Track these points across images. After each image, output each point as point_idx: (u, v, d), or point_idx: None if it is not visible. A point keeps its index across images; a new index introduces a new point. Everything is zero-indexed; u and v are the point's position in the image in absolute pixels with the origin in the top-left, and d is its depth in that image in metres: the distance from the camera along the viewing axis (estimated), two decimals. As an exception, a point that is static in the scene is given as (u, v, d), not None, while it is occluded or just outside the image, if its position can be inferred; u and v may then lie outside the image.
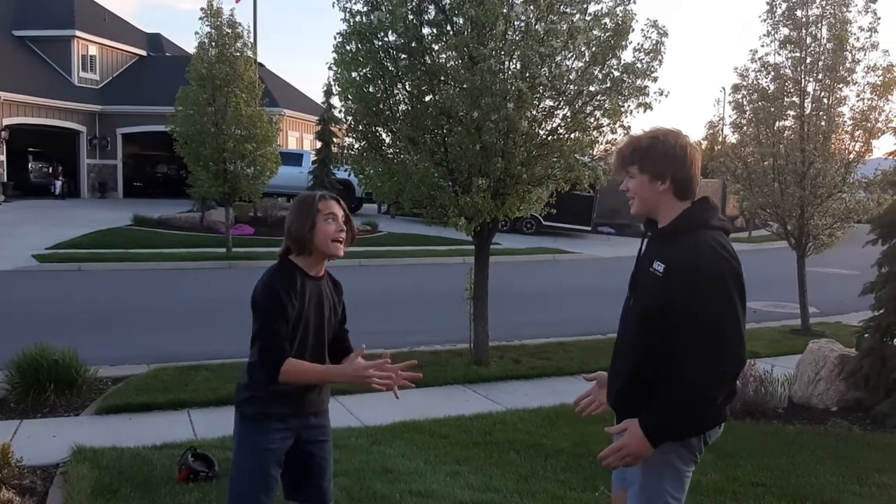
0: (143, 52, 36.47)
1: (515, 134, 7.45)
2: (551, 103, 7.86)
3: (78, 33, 31.89)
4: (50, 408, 6.47)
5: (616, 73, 7.67)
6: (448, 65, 7.73)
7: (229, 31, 17.34)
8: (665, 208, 2.61)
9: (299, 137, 36.51)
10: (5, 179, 27.96)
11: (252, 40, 18.39)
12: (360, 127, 8.07)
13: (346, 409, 6.73)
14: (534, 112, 7.66)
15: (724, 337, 2.41)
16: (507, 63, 7.52)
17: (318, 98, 28.30)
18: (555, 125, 7.95)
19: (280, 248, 3.07)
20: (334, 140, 24.53)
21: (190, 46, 20.17)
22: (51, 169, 31.62)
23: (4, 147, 27.78)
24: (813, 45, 10.47)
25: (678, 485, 2.64)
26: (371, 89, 7.79)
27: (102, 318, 11.02)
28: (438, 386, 7.70)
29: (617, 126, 7.89)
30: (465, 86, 7.39)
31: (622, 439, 2.53)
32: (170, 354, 8.46)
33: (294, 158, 27.13)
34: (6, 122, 27.70)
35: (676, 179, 2.58)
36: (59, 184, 30.47)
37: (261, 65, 21.86)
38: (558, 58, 7.53)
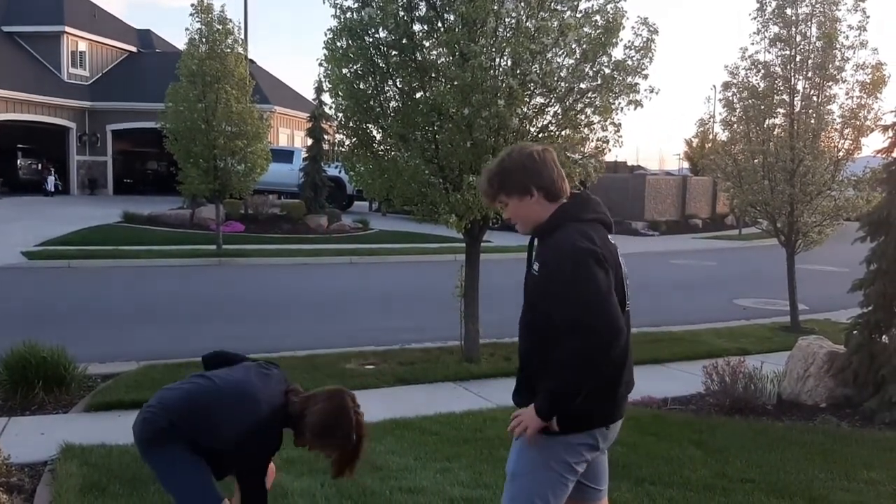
0: (133, 49, 36.31)
1: (506, 131, 7.45)
2: (542, 100, 7.86)
3: (67, 29, 31.72)
4: (38, 405, 6.43)
5: (607, 71, 7.67)
6: (439, 61, 7.71)
7: (220, 27, 17.27)
8: (544, 214, 2.76)
9: (290, 134, 36.45)
10: (-6, 176, 27.85)
11: (242, 37, 18.34)
12: (351, 124, 8.05)
13: (337, 407, 6.71)
14: (525, 109, 7.65)
15: (590, 310, 2.54)
16: (497, 60, 7.52)
17: (310, 95, 28.23)
18: (546, 122, 7.95)
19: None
20: (325, 137, 24.49)
21: (180, 43, 20.10)
22: (41, 165, 31.44)
23: (-6, 143, 27.67)
24: (803, 43, 10.50)
25: (551, 484, 2.83)
26: (362, 86, 7.77)
27: (91, 315, 10.97)
28: (429, 383, 7.70)
29: (608, 123, 7.89)
30: (455, 83, 7.37)
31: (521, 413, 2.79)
32: (159, 352, 8.42)
33: (285, 155, 27.08)
34: (-5, 118, 27.57)
35: (542, 187, 2.73)
36: (51, 180, 30.29)
37: (251, 61, 21.76)
38: (549, 55, 7.53)
